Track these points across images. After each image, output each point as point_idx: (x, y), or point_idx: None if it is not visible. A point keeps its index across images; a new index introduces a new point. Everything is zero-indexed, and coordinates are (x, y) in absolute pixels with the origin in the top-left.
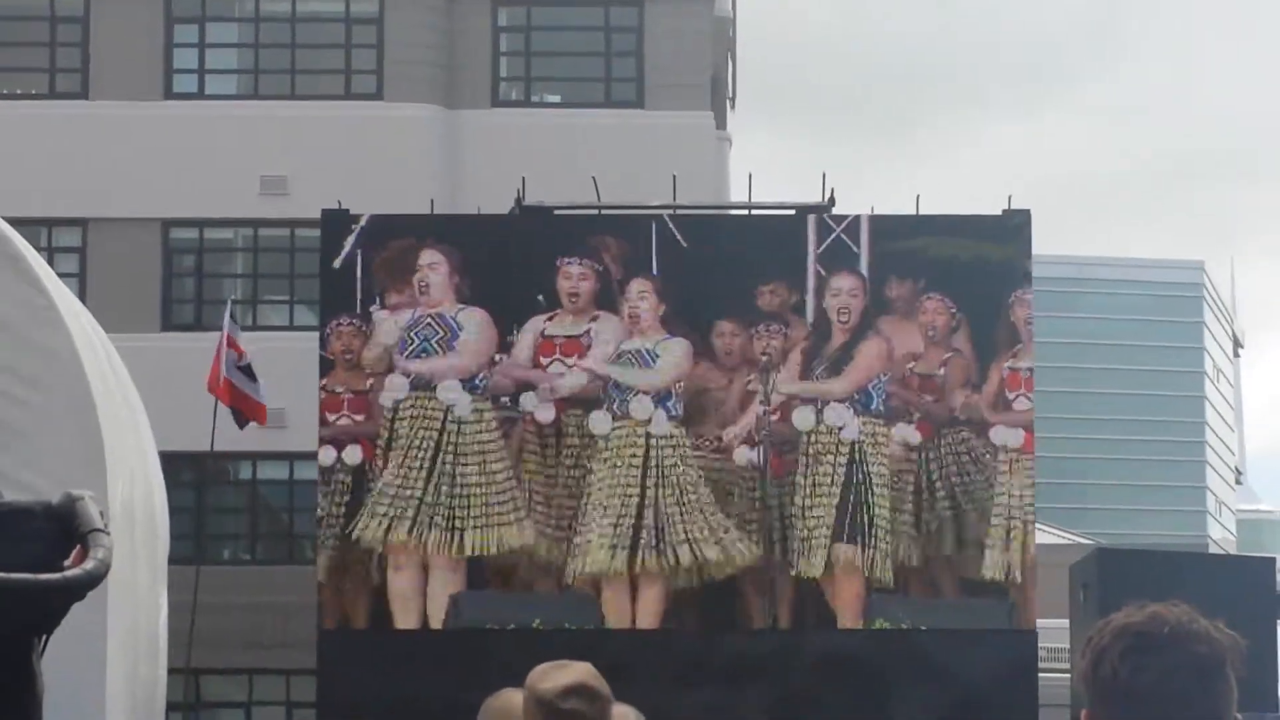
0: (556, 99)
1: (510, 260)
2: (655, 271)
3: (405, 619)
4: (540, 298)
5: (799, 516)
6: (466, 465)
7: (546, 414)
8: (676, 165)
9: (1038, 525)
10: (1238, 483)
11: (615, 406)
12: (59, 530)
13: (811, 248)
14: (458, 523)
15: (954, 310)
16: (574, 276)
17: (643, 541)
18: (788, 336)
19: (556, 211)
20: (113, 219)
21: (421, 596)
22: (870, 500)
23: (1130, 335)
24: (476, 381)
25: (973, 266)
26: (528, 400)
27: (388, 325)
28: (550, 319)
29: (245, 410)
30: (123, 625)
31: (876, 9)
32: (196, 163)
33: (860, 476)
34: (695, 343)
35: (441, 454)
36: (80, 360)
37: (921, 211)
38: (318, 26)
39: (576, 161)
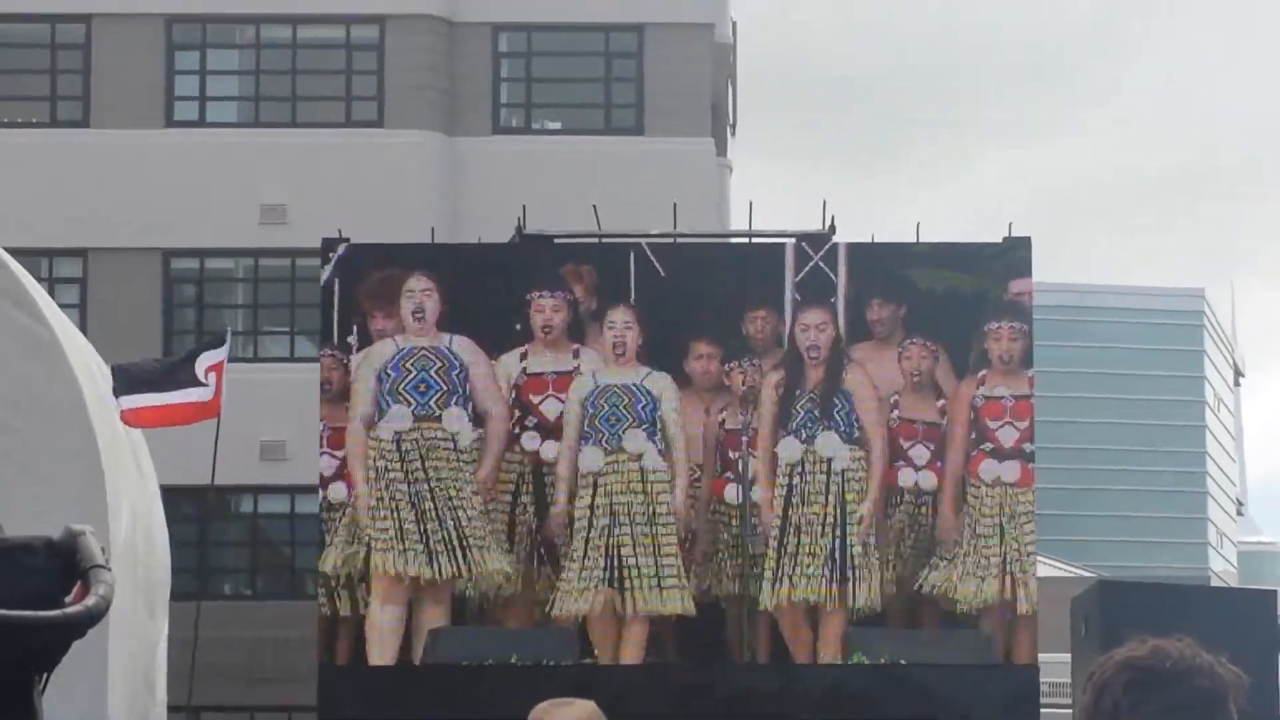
0: (557, 125)
1: (489, 289)
2: (633, 301)
3: (382, 654)
4: (517, 326)
5: (783, 549)
6: (464, 496)
7: (549, 451)
8: (677, 192)
9: (1038, 558)
10: (1239, 514)
11: (605, 441)
12: (60, 566)
13: (790, 276)
14: (455, 554)
15: (935, 350)
16: (547, 309)
17: (633, 578)
18: (762, 369)
19: (557, 239)
20: (113, 249)
21: (402, 631)
22: (855, 533)
23: (1130, 364)
24: (474, 413)
25: (947, 296)
26: (528, 440)
27: (372, 356)
28: (524, 354)
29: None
30: (123, 660)
31: (877, 35)
32: (197, 191)
33: (846, 509)
34: (672, 373)
35: (444, 485)
36: (81, 393)
37: (922, 238)
38: (318, 53)
39: (577, 188)
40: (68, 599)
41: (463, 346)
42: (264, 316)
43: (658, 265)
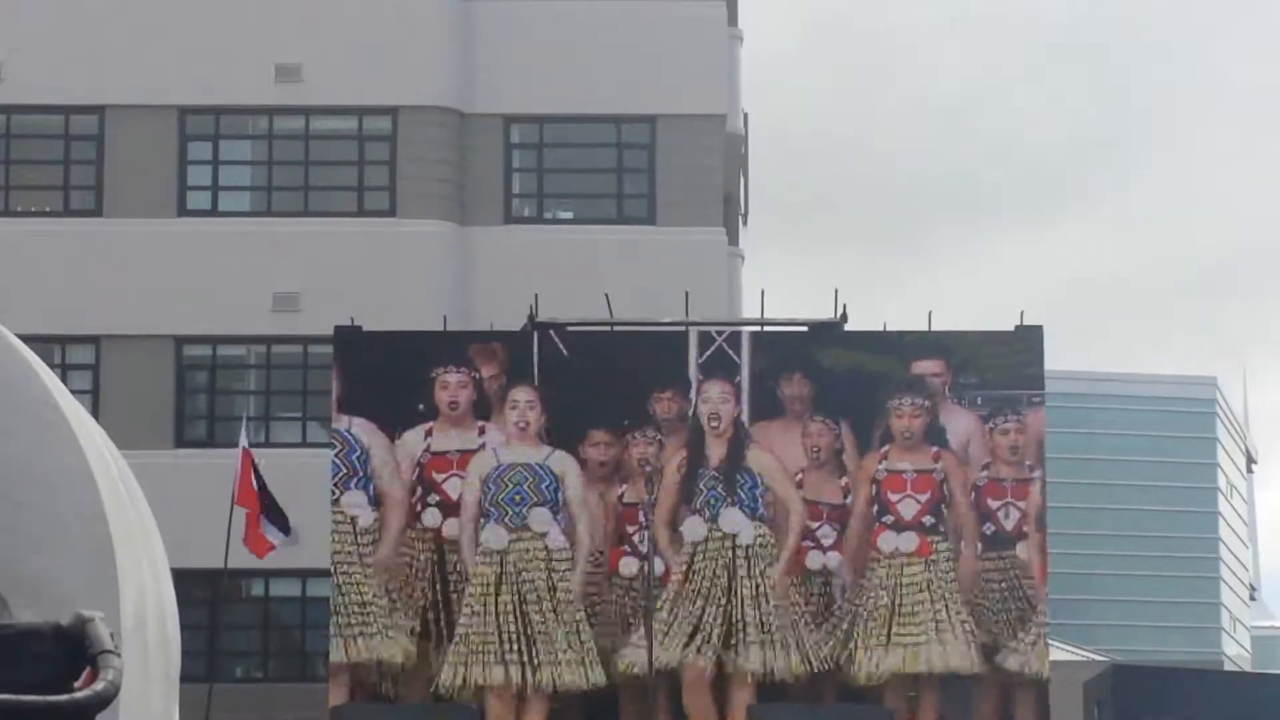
0: (569, 215)
1: (390, 373)
2: (536, 383)
3: None
4: (420, 406)
5: (686, 622)
6: (369, 578)
7: (451, 528)
8: (689, 281)
9: (1050, 642)
10: (1252, 599)
11: (509, 520)
12: (69, 651)
13: (693, 358)
14: (354, 632)
15: (835, 428)
16: (452, 385)
17: (538, 657)
18: (664, 445)
19: (569, 328)
20: (126, 335)
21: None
22: (759, 607)
23: (1143, 451)
24: (373, 494)
25: (850, 377)
26: (429, 517)
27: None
28: (429, 432)
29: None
30: None
31: (889, 123)
32: (209, 279)
33: (750, 583)
34: (571, 454)
35: (348, 566)
36: (93, 477)
37: (935, 326)
38: (331, 144)
39: (589, 278)
40: (77, 684)
41: (362, 428)
42: (276, 403)
43: (562, 348)
